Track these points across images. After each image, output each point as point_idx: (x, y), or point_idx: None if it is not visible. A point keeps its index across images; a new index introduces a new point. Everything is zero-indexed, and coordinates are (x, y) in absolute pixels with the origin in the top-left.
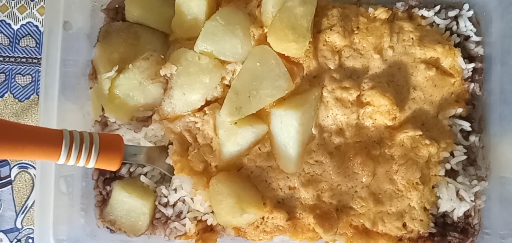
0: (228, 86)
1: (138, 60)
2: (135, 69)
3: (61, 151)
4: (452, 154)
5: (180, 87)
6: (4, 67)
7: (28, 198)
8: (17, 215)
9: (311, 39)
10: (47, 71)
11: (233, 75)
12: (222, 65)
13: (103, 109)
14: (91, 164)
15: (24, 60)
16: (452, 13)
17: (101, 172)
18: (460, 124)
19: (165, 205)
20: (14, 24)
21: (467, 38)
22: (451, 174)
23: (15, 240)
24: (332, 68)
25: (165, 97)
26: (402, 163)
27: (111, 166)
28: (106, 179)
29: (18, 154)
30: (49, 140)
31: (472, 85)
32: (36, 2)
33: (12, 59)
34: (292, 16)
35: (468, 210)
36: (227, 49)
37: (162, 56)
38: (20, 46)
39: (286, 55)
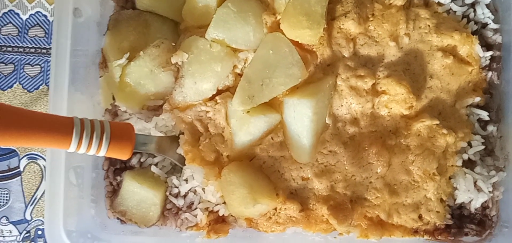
0: (240, 75)
1: (149, 48)
2: (146, 57)
3: (72, 138)
4: (469, 144)
5: (191, 75)
6: (13, 57)
7: (37, 189)
8: (26, 207)
9: (325, 26)
10: (57, 60)
11: (245, 63)
12: (234, 53)
13: (113, 98)
14: (102, 153)
15: (33, 50)
16: (469, 0)
17: (112, 162)
18: (477, 114)
19: (176, 195)
20: (22, 14)
21: (484, 25)
22: (468, 164)
23: (25, 232)
24: (346, 56)
25: (176, 86)
26: (418, 153)
27: (122, 155)
28: (117, 169)
29: (28, 142)
30: (59, 127)
31: (489, 73)
32: None
33: (21, 49)
34: (305, 2)
35: (485, 201)
36: (239, 36)
37: (173, 44)
38: (29, 36)
39: (299, 42)
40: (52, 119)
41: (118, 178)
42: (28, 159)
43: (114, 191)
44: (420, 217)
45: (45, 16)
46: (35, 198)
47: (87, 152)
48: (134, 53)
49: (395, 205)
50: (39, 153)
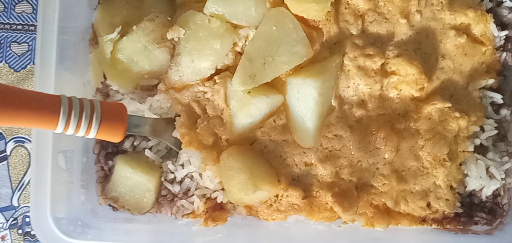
0: (240, 53)
1: (143, 22)
2: (140, 31)
3: (59, 118)
4: (482, 129)
5: (188, 53)
6: None
7: (24, 174)
8: (13, 193)
9: (332, 0)
10: (43, 37)
11: (246, 41)
12: (234, 30)
13: (104, 77)
14: (92, 134)
15: (20, 27)
16: None
17: (103, 145)
18: (491, 96)
19: (172, 181)
20: None
21: (499, 3)
22: (480, 150)
23: (12, 219)
24: (354, 33)
25: (171, 64)
26: (428, 138)
27: (114, 137)
28: (108, 153)
29: (11, 120)
30: (45, 105)
31: (504, 54)
32: None
33: (7, 26)
34: None
35: (497, 189)
36: (240, 11)
37: (169, 19)
38: (16, 12)
39: (304, 18)
40: (38, 97)
41: (110, 162)
42: (15, 143)
43: (105, 176)
44: (428, 205)
45: None
46: (23, 184)
47: (75, 133)
48: (127, 28)
49: (402, 193)
50: (26, 136)
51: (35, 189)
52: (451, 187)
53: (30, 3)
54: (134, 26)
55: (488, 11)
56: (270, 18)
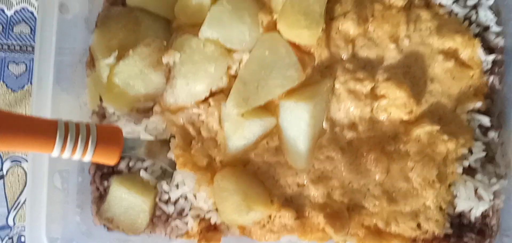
0: (234, 76)
1: (139, 46)
2: (136, 56)
3: (55, 142)
4: (470, 151)
5: (183, 76)
6: None
7: (20, 193)
8: (9, 212)
9: (324, 26)
10: (41, 58)
11: (239, 64)
12: (228, 54)
13: (101, 99)
14: (88, 158)
15: (18, 47)
16: (471, 2)
17: (99, 166)
18: (478, 119)
19: (166, 202)
20: (7, 9)
21: (486, 28)
22: (469, 172)
23: (7, 238)
24: (345, 58)
25: (167, 87)
26: (418, 160)
27: (109, 160)
28: (104, 174)
29: (8, 145)
30: (42, 130)
31: (491, 78)
32: None
33: (6, 47)
34: (304, 1)
35: (486, 210)
36: (234, 36)
37: (165, 43)
38: (14, 33)
39: (296, 43)
40: (34, 122)
41: (105, 183)
42: (12, 162)
43: (100, 197)
44: (418, 225)
45: (31, 12)
46: (19, 203)
47: (71, 157)
48: (123, 51)
49: (393, 213)
50: (23, 156)
51: (31, 209)
52: (441, 208)
53: (28, 24)
54: (131, 50)
55: (475, 35)
56: (263, 43)
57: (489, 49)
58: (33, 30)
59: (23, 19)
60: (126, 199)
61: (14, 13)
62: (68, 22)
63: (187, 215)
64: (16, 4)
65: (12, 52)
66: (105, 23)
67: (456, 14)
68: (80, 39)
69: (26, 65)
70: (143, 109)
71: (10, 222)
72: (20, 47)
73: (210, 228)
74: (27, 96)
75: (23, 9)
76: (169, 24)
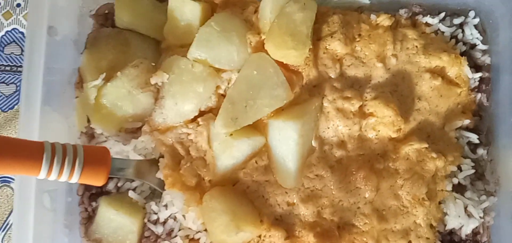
0: (223, 95)
1: (127, 68)
2: (124, 77)
3: (42, 165)
4: (459, 168)
5: (172, 96)
6: None
7: (9, 214)
8: None
9: (311, 46)
10: (29, 78)
11: (228, 84)
12: (217, 74)
13: (89, 120)
14: (75, 179)
15: (8, 68)
16: (457, 21)
17: (87, 187)
18: (467, 136)
19: (155, 222)
20: None
21: (473, 46)
22: (459, 189)
23: None
24: (333, 77)
25: (156, 107)
26: (407, 178)
27: (97, 181)
28: (92, 194)
29: None
30: (28, 153)
31: (479, 95)
32: (22, 8)
33: None
34: (291, 22)
35: (476, 227)
36: (222, 56)
37: (153, 64)
38: (4, 54)
39: (284, 63)
40: (20, 144)
41: (94, 204)
42: (0, 182)
43: (89, 218)
44: None
45: (22, 33)
46: (7, 224)
47: (58, 179)
48: (113, 72)
49: (384, 232)
50: (12, 176)
51: (18, 230)
52: (431, 226)
53: (18, 45)
54: (118, 72)
55: (462, 54)
56: (252, 63)
57: (475, 67)
58: (23, 51)
59: (13, 40)
60: (114, 220)
61: (5, 34)
62: (57, 43)
63: (176, 236)
64: (7, 25)
65: (2, 72)
66: (94, 44)
67: (443, 33)
68: (69, 60)
69: (16, 85)
70: (132, 129)
71: None
72: (10, 67)
73: None
74: (17, 116)
75: (14, 30)
76: (158, 45)
